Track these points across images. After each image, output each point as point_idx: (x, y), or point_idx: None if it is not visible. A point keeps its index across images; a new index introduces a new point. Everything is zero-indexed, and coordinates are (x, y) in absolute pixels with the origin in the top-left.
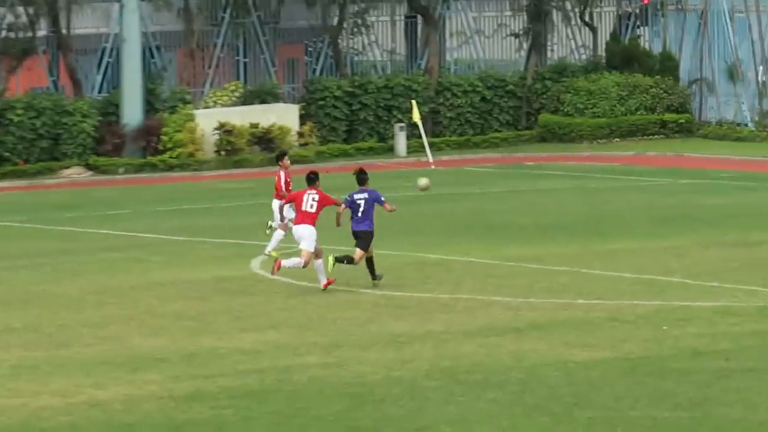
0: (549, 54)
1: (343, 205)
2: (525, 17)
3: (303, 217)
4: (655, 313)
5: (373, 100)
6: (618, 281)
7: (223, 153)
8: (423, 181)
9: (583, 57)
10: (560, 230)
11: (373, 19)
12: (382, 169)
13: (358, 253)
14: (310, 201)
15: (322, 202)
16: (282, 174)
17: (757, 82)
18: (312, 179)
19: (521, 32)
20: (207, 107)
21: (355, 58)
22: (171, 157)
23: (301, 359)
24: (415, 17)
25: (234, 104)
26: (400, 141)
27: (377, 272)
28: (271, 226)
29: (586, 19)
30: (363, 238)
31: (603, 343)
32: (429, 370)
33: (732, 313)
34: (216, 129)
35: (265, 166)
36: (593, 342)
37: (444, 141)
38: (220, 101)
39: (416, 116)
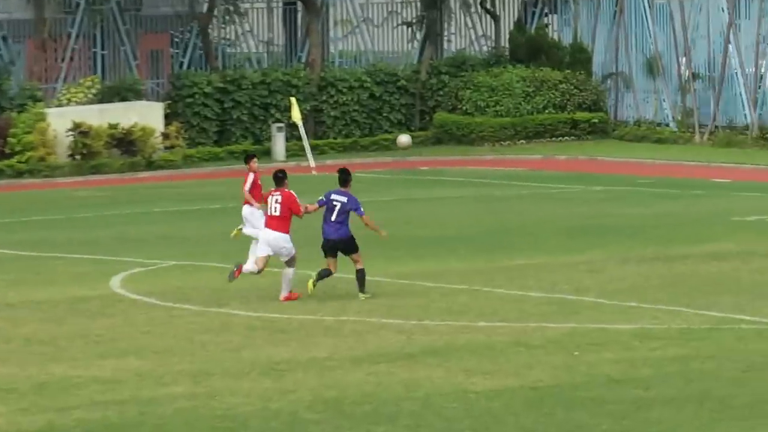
0: (446, 45)
1: (316, 205)
2: (418, 4)
3: (271, 224)
4: (566, 337)
5: (248, 97)
6: (524, 301)
7: (78, 157)
8: (404, 139)
9: (485, 49)
10: (459, 244)
11: (248, 5)
12: (258, 176)
13: (331, 263)
14: (273, 203)
15: (287, 204)
16: (250, 177)
17: (680, 76)
18: (279, 178)
19: (414, 21)
20: (60, 105)
21: (228, 50)
22: (19, 162)
23: (166, 389)
24: (295, 4)
25: (90, 102)
26: (278, 143)
27: (365, 288)
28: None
29: (488, 6)
30: (337, 248)
31: (507, 370)
32: (312, 401)
33: (652, 337)
34: (70, 130)
35: (125, 172)
36: (496, 369)
37: (328, 143)
38: (74, 98)
39: (296, 115)
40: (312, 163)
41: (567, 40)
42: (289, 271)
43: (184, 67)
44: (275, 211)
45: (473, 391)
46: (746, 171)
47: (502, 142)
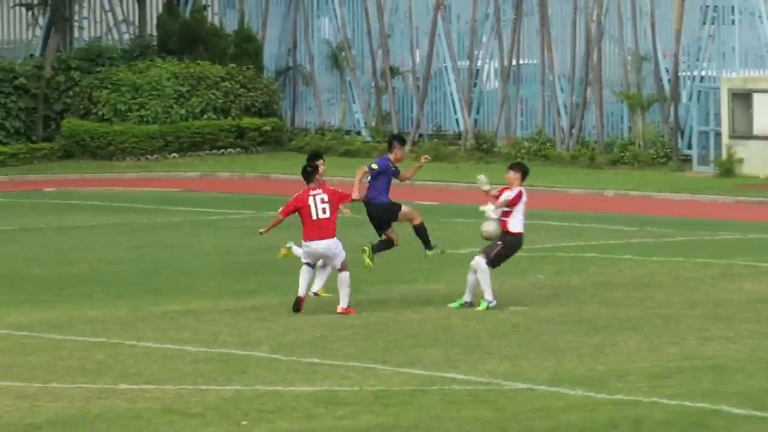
0: (77, 33)
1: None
2: None
3: (320, 230)
4: (231, 402)
5: None
6: (178, 358)
7: None
8: (490, 226)
9: (126, 37)
10: (95, 285)
11: None
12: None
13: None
14: (318, 205)
15: (335, 200)
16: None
17: (374, 72)
18: (309, 173)
19: (36, 1)
20: None
21: None
22: None
23: None
24: None
25: None
26: None
27: (432, 241)
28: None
29: None
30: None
31: None
32: None
33: (339, 401)
34: None
35: None
36: None
37: None
38: None
39: None
40: None
41: (231, 26)
42: (345, 275)
43: None
44: (324, 213)
45: None
46: (458, 191)
47: (148, 156)
